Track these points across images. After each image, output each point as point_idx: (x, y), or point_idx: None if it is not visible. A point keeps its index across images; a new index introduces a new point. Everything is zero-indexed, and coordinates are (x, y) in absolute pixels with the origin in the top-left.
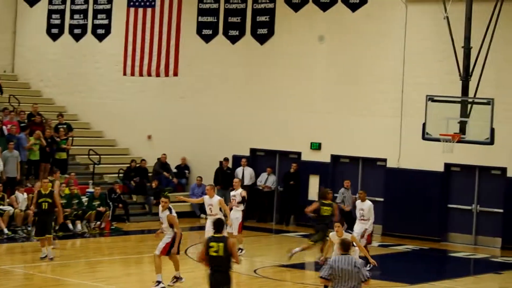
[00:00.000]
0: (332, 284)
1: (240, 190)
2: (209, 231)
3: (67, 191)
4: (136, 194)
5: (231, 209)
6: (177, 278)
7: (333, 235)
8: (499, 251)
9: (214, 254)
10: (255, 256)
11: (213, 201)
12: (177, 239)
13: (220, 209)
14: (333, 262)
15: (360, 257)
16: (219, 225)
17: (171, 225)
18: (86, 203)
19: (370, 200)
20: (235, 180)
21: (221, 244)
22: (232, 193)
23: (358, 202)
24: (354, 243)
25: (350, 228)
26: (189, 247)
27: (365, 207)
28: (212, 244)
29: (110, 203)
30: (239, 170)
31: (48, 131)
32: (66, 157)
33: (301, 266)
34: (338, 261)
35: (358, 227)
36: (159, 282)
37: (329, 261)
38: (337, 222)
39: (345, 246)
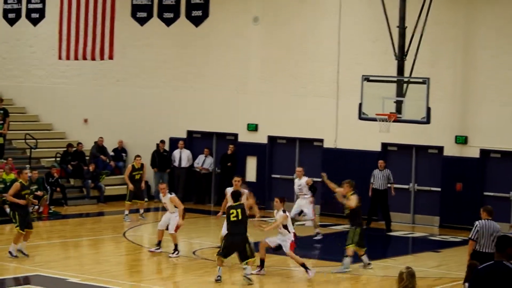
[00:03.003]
0: (477, 244)
1: (306, 179)
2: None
3: (12, 176)
4: (74, 178)
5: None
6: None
7: None
8: (437, 230)
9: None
10: (194, 238)
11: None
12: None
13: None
14: (481, 226)
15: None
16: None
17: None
18: None
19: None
20: (298, 169)
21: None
22: (297, 182)
23: None
24: None
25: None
26: (127, 230)
27: None
28: None
29: (48, 187)
30: (176, 152)
31: None
32: (3, 142)
33: None
34: (484, 225)
35: None
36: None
37: (476, 225)
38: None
39: (490, 212)
